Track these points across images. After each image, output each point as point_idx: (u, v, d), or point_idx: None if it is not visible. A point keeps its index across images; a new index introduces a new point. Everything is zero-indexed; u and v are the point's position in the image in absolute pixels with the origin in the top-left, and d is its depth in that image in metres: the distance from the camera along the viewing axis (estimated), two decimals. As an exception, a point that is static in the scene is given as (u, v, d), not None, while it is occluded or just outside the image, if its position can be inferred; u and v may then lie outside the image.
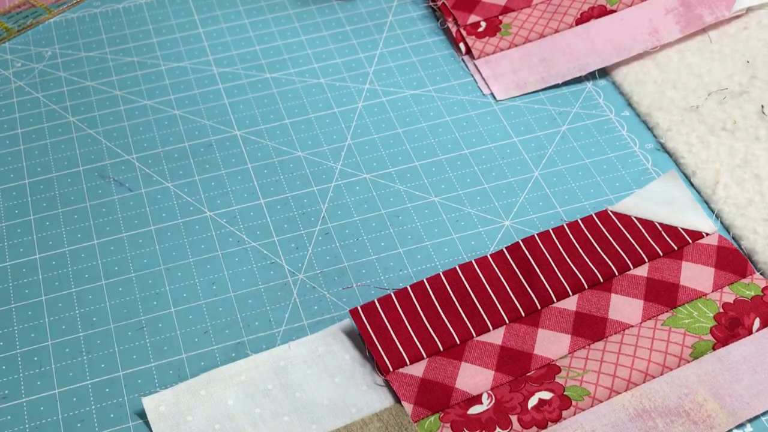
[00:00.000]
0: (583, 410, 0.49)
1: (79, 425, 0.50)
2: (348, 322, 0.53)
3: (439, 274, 0.55)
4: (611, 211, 0.58)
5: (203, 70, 0.69)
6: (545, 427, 0.48)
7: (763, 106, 0.63)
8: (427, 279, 0.55)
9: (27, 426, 0.50)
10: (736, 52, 0.67)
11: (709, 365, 0.51)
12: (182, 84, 0.68)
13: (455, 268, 0.55)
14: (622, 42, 0.68)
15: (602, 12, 0.70)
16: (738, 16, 0.70)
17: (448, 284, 0.55)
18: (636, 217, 0.58)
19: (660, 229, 0.57)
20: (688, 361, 0.51)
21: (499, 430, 0.48)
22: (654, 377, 0.50)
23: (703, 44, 0.68)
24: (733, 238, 0.57)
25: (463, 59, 0.70)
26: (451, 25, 0.72)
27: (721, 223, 0.58)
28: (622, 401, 0.49)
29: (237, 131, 0.65)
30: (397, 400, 0.50)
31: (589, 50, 0.68)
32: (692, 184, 0.60)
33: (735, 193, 0.59)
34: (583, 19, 0.70)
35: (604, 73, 0.68)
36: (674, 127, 0.63)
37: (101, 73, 0.69)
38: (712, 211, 0.59)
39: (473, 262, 0.56)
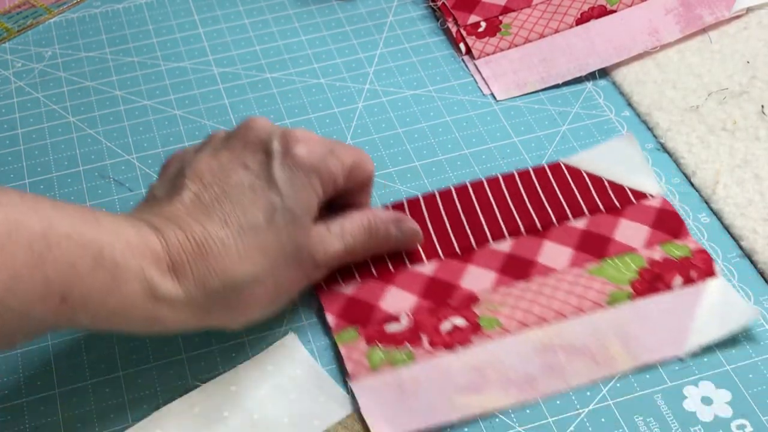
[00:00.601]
0: (492, 338, 0.51)
1: (79, 425, 0.50)
2: (291, 336, 0.53)
3: (387, 206, 0.58)
4: (564, 164, 0.60)
5: (203, 70, 0.69)
6: (454, 349, 0.51)
7: (763, 106, 0.63)
8: None
9: (27, 426, 0.50)
10: (736, 52, 0.67)
11: (622, 313, 0.52)
12: (182, 84, 0.68)
13: (403, 201, 0.58)
14: (622, 42, 0.68)
15: (602, 12, 0.70)
16: (738, 16, 0.70)
17: None
18: (586, 172, 0.59)
19: (607, 186, 0.59)
20: (603, 307, 0.53)
21: (409, 346, 0.51)
22: (567, 318, 0.52)
23: (703, 44, 0.68)
24: (733, 238, 0.57)
25: (463, 59, 0.70)
26: (451, 25, 0.72)
27: (721, 223, 0.58)
28: (531, 335, 0.51)
29: (237, 131, 0.65)
30: (353, 409, 0.50)
31: (589, 50, 0.68)
32: (692, 184, 0.60)
33: (735, 193, 0.59)
34: (583, 19, 0.70)
35: (604, 73, 0.68)
36: (674, 127, 0.63)
37: (101, 73, 0.69)
38: (712, 211, 0.59)
39: (420, 197, 0.58)
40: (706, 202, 0.59)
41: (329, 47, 0.71)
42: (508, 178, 0.59)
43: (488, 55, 0.69)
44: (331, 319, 0.53)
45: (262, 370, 0.51)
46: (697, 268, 0.54)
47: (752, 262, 0.56)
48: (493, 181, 0.59)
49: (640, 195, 0.59)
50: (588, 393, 0.50)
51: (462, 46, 0.70)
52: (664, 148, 0.63)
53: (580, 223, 0.57)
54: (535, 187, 0.59)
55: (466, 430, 0.49)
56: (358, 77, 0.69)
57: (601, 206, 0.58)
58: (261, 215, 0.47)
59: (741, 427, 0.49)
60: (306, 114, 0.66)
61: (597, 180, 0.59)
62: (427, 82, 0.68)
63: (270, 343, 0.53)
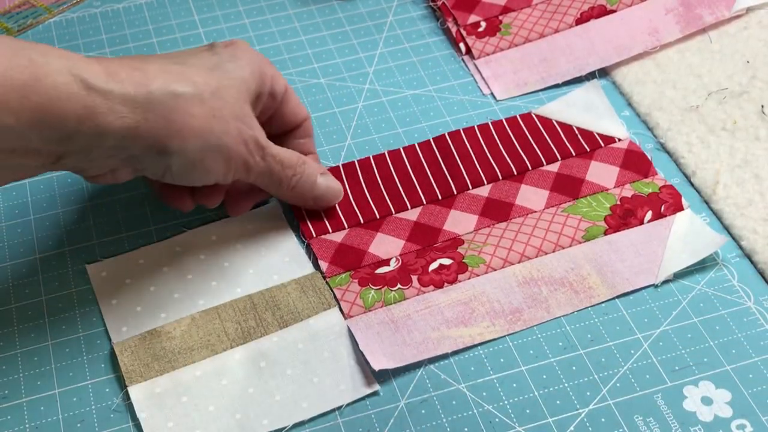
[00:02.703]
0: (478, 276, 0.55)
1: (79, 425, 0.50)
2: (274, 204, 0.59)
3: (368, 157, 0.61)
4: (535, 114, 0.64)
5: (203, 70, 0.69)
6: (442, 287, 0.54)
7: (763, 106, 0.63)
8: (357, 160, 0.61)
9: (27, 426, 0.50)
10: (736, 52, 0.67)
11: (598, 246, 0.56)
12: (182, 84, 0.68)
13: (384, 153, 0.62)
14: (622, 42, 0.68)
15: (602, 12, 0.70)
16: (738, 16, 0.70)
17: (376, 167, 0.61)
18: (556, 121, 0.62)
19: (577, 132, 0.62)
20: (580, 242, 0.56)
21: (400, 286, 0.54)
22: (546, 253, 0.56)
23: (703, 44, 0.68)
24: (733, 238, 0.57)
25: (463, 59, 0.70)
26: (451, 25, 0.72)
27: (721, 223, 0.58)
28: (513, 270, 0.55)
29: (237, 131, 0.65)
30: (315, 268, 0.56)
31: (589, 50, 0.68)
32: (692, 184, 0.60)
33: (735, 193, 0.59)
34: (583, 19, 0.70)
35: (604, 73, 0.68)
36: (674, 127, 0.63)
37: (101, 73, 0.69)
38: (712, 211, 0.59)
39: (401, 149, 0.62)
40: (706, 202, 0.59)
41: (329, 47, 0.71)
42: (484, 129, 0.63)
43: (488, 54, 0.69)
44: (324, 265, 0.55)
45: (242, 227, 0.57)
46: (666, 202, 0.58)
47: (752, 262, 0.56)
48: (469, 131, 0.62)
49: (609, 139, 0.62)
50: (588, 393, 0.50)
51: (462, 45, 0.70)
52: (664, 148, 0.63)
53: (553, 167, 0.60)
54: (509, 137, 0.62)
55: (466, 429, 0.49)
56: (358, 77, 0.68)
57: (572, 151, 0.61)
58: (200, 62, 0.51)
59: (741, 427, 0.49)
60: (306, 114, 0.66)
61: (567, 127, 0.63)
62: (427, 82, 0.68)
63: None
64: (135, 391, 0.50)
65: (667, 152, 0.62)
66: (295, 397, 0.50)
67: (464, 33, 0.70)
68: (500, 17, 0.71)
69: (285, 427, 0.49)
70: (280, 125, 0.57)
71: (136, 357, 0.51)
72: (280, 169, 0.54)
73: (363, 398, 0.50)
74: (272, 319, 0.53)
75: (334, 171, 0.60)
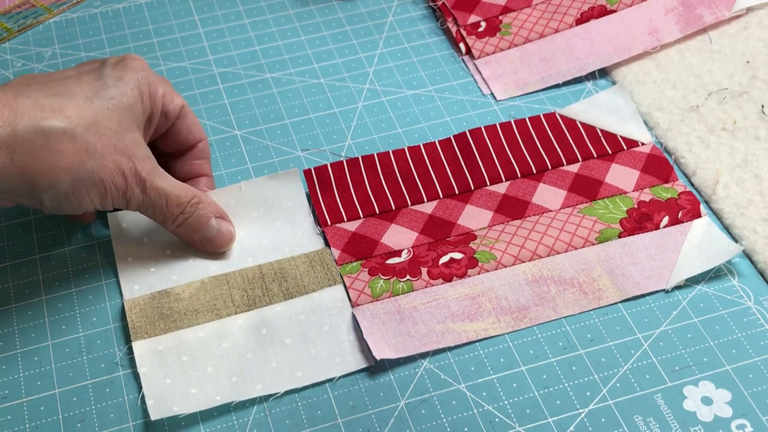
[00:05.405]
0: (488, 271, 0.55)
1: (79, 425, 0.50)
2: (295, 170, 0.59)
3: (388, 152, 0.61)
4: (559, 114, 0.63)
5: (203, 70, 0.69)
6: (450, 280, 0.54)
7: (763, 106, 0.63)
8: (377, 154, 0.61)
9: (27, 426, 0.50)
10: (736, 52, 0.67)
11: (611, 249, 0.56)
12: (182, 84, 0.68)
13: (404, 148, 0.62)
14: (622, 42, 0.68)
15: (602, 12, 0.70)
16: (738, 16, 0.70)
17: (395, 161, 0.61)
18: (580, 122, 0.62)
19: (600, 134, 0.62)
20: (593, 244, 0.56)
21: (409, 277, 0.54)
22: (559, 253, 0.56)
23: (703, 44, 0.68)
24: (733, 238, 0.57)
25: (463, 59, 0.70)
26: (451, 25, 0.72)
27: (721, 223, 0.58)
28: (523, 268, 0.55)
29: (237, 131, 0.65)
30: (325, 245, 0.56)
31: (589, 50, 0.68)
32: (692, 184, 0.60)
33: (735, 193, 0.59)
34: (583, 19, 0.70)
35: (604, 73, 0.68)
36: (674, 127, 0.63)
37: (101, 73, 0.69)
38: (713, 211, 0.59)
39: (421, 145, 0.62)
40: (706, 202, 0.59)
41: (329, 47, 0.71)
42: (506, 126, 0.62)
43: (488, 55, 0.69)
44: (336, 253, 0.56)
45: (260, 194, 0.58)
46: (684, 209, 0.57)
47: (752, 262, 0.56)
48: (491, 129, 0.62)
49: (632, 143, 0.62)
50: (588, 393, 0.50)
51: (462, 46, 0.70)
52: (664, 148, 0.63)
53: (573, 168, 0.60)
54: (531, 135, 0.62)
55: (466, 429, 0.49)
56: (358, 77, 0.68)
57: (594, 153, 0.61)
58: (81, 91, 0.50)
59: (741, 427, 0.49)
60: (306, 114, 0.66)
61: (590, 129, 0.62)
62: (427, 82, 0.68)
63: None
64: (139, 347, 0.52)
65: (667, 152, 0.62)
66: (290, 365, 0.51)
67: (464, 33, 0.70)
68: (500, 17, 0.71)
69: (277, 393, 0.50)
70: (174, 143, 0.57)
71: (143, 314, 0.53)
72: (164, 205, 0.53)
73: (363, 398, 0.50)
74: (278, 290, 0.54)
75: (353, 162, 0.60)
